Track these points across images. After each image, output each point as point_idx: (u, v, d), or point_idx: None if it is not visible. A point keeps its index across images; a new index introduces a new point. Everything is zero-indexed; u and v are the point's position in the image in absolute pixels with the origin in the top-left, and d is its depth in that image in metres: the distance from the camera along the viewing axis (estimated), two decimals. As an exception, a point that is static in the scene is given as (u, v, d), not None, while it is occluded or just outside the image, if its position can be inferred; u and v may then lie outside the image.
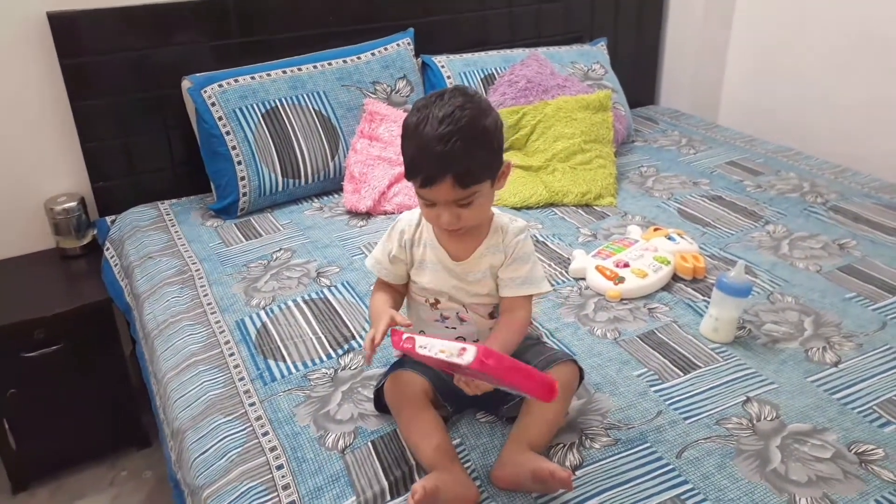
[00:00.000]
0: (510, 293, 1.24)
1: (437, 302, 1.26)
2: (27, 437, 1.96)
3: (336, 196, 2.20)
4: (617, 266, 1.69)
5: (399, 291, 1.30)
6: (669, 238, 1.79)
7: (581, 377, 1.28)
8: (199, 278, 1.78)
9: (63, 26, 1.97)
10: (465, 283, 1.24)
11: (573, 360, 1.27)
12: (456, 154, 1.07)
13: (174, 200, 2.22)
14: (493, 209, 1.24)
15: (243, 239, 1.97)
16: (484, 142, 1.11)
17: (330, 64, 2.26)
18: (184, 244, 1.95)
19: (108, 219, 2.16)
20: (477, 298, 1.25)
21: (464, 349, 1.00)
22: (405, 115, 2.20)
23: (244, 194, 2.07)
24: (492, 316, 1.28)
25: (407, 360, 1.28)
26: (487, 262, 1.23)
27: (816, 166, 2.35)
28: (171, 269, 1.83)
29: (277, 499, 1.13)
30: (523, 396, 1.17)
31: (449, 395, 1.24)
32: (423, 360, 1.09)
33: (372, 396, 1.31)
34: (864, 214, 1.99)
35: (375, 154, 2.17)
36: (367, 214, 2.08)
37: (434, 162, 1.08)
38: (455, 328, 1.27)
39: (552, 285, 1.60)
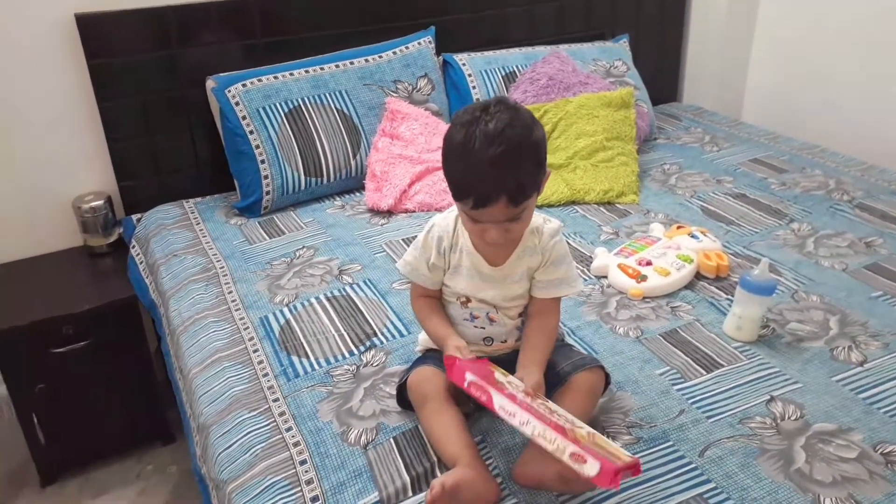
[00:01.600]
0: (545, 294, 1.24)
1: (469, 301, 1.26)
2: (56, 432, 2.00)
3: (358, 194, 2.21)
4: (639, 264, 1.69)
5: (439, 299, 1.30)
6: (692, 236, 1.78)
7: (607, 382, 1.28)
8: (224, 276, 1.80)
9: (90, 27, 2.00)
10: (502, 287, 1.23)
11: (600, 365, 1.27)
12: (510, 174, 1.05)
13: (199, 199, 2.25)
14: None
15: (267, 237, 1.99)
16: (534, 158, 1.10)
17: (352, 63, 2.27)
18: (208, 242, 1.97)
19: (134, 217, 2.19)
20: (510, 301, 1.25)
21: (579, 455, 0.96)
22: (427, 113, 2.25)
23: (267, 193, 2.09)
24: (519, 315, 1.28)
25: (430, 356, 1.29)
26: (525, 264, 1.23)
27: (842, 163, 2.32)
28: (196, 266, 1.85)
29: (301, 493, 1.14)
30: None
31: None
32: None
33: (394, 393, 1.32)
34: (891, 212, 1.96)
35: (397, 152, 2.18)
36: (389, 213, 2.09)
37: (488, 183, 1.05)
38: (484, 328, 1.27)
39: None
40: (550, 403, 1.12)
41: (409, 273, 1.28)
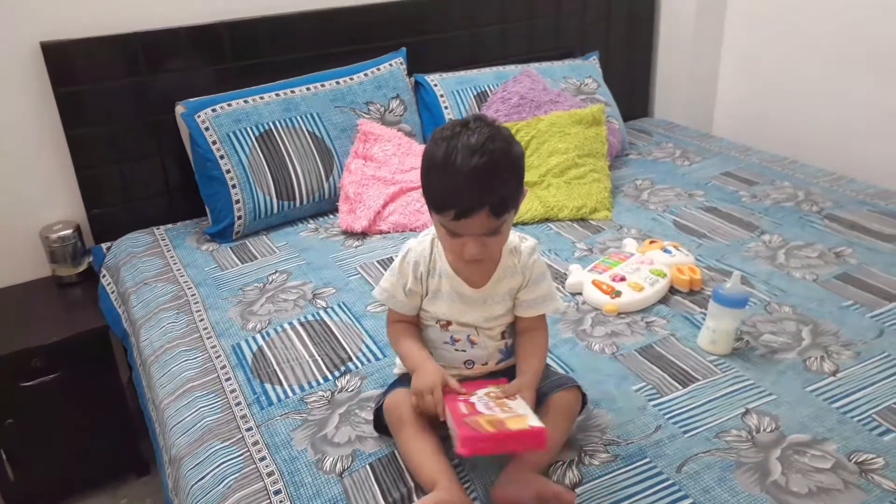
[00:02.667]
0: (532, 312, 1.24)
1: (449, 324, 1.25)
2: (25, 468, 1.95)
3: (331, 217, 2.20)
4: (613, 280, 1.69)
5: (416, 324, 1.29)
6: (665, 251, 1.79)
7: (584, 402, 1.28)
8: (195, 303, 1.77)
9: (57, 55, 1.98)
10: (483, 308, 1.23)
11: (577, 385, 1.26)
12: (492, 185, 1.06)
13: (169, 226, 2.22)
14: None
15: (239, 262, 1.97)
16: (514, 171, 1.11)
17: (323, 85, 2.27)
18: (179, 269, 1.95)
19: (104, 245, 2.16)
20: (492, 322, 1.24)
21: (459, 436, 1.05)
22: (399, 134, 2.26)
23: (239, 217, 2.07)
24: (502, 336, 1.27)
25: (408, 379, 1.27)
26: (506, 285, 1.23)
27: (811, 175, 2.35)
28: (167, 294, 1.83)
29: (275, 525, 1.12)
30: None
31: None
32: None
33: (370, 418, 1.30)
34: (859, 222, 1.99)
35: (370, 174, 2.17)
36: (363, 234, 2.08)
37: (470, 194, 1.06)
38: (465, 350, 1.26)
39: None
40: (515, 403, 1.14)
41: (387, 300, 1.26)
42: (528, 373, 1.21)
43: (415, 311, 1.27)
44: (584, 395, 1.28)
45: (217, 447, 1.30)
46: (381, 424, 1.27)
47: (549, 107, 2.41)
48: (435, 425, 1.21)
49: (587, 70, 2.68)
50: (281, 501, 1.16)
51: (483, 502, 1.13)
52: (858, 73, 2.43)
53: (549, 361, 1.43)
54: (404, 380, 1.28)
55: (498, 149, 1.07)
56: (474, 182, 1.05)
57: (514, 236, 1.24)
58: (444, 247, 1.20)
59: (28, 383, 1.88)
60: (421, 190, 1.16)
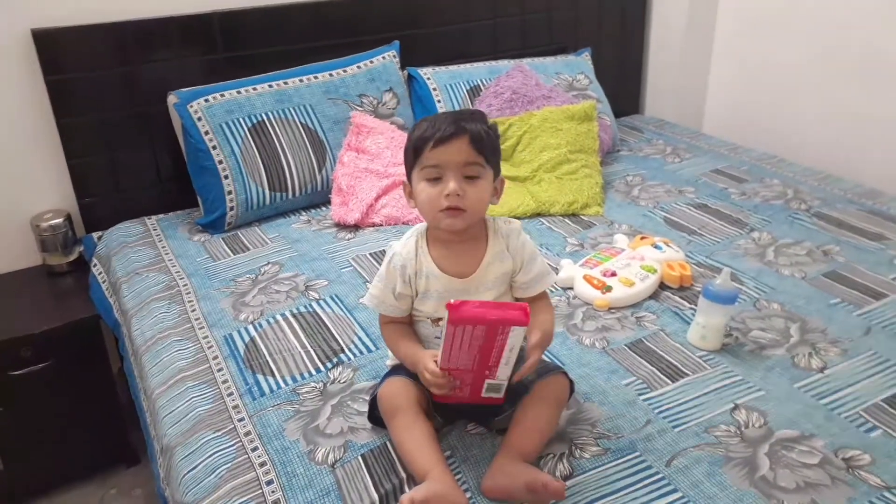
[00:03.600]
0: (532, 292, 1.26)
1: (440, 319, 1.25)
2: (15, 457, 1.94)
3: (324, 209, 2.20)
4: (604, 275, 1.70)
5: (409, 322, 1.30)
6: (656, 247, 1.80)
7: (572, 389, 1.29)
8: (187, 293, 1.77)
9: (48, 43, 1.97)
10: (475, 296, 1.22)
11: (563, 371, 1.27)
12: (471, 119, 1.17)
13: (161, 216, 2.21)
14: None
15: (231, 253, 1.96)
16: (493, 129, 1.20)
17: (316, 77, 2.27)
18: (171, 259, 1.94)
19: (95, 235, 2.15)
20: None
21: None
22: (392, 127, 2.26)
23: (231, 208, 2.07)
24: None
25: (402, 367, 1.28)
26: (496, 269, 1.23)
27: (800, 173, 2.37)
28: (159, 284, 1.82)
29: (268, 515, 1.13)
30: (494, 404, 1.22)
31: (440, 406, 1.24)
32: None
33: (363, 410, 1.31)
34: (847, 220, 2.01)
35: (363, 166, 2.17)
36: (356, 227, 2.08)
37: (450, 123, 1.15)
38: None
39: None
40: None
41: (377, 306, 1.27)
42: (537, 329, 1.18)
43: (406, 313, 1.28)
44: (571, 383, 1.28)
45: (209, 437, 1.30)
46: (375, 415, 1.27)
47: (541, 102, 2.42)
48: (430, 415, 1.22)
49: (579, 66, 2.69)
50: (273, 492, 1.17)
51: (474, 493, 1.14)
52: (848, 74, 2.46)
53: (540, 355, 1.45)
54: (398, 370, 1.29)
55: (476, 112, 1.21)
56: (454, 116, 1.17)
57: (498, 221, 1.27)
58: (424, 208, 1.20)
59: (18, 372, 1.87)
60: None
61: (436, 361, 1.15)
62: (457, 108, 2.42)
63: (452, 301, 1.07)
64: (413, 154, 1.19)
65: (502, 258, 1.24)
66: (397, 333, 1.27)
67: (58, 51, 1.99)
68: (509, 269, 1.25)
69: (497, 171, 1.22)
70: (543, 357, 1.40)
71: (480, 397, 1.20)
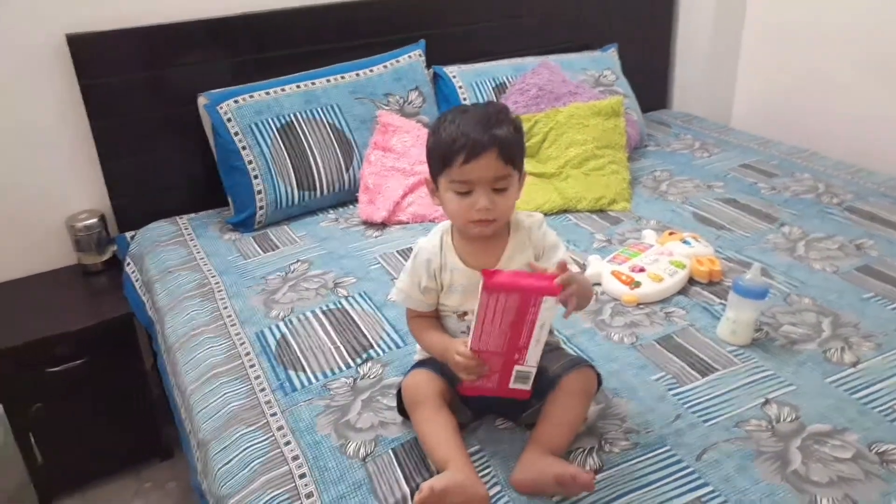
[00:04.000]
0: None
1: (465, 314, 1.26)
2: (53, 451, 1.99)
3: (351, 207, 2.22)
4: (633, 271, 1.70)
5: (436, 317, 1.31)
6: (685, 242, 1.79)
7: (599, 382, 1.29)
8: (219, 291, 1.80)
9: (82, 48, 2.01)
10: None
11: (591, 365, 1.28)
12: (500, 126, 1.13)
13: (192, 215, 2.25)
14: None
15: (261, 252, 1.99)
16: (519, 129, 1.18)
17: (343, 77, 2.29)
18: (203, 258, 1.98)
19: (128, 235, 2.19)
20: None
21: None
22: (418, 125, 2.27)
23: (261, 207, 2.10)
24: None
25: (428, 361, 1.29)
26: (518, 261, 1.23)
27: (831, 167, 2.34)
28: (191, 282, 1.86)
29: (301, 507, 1.14)
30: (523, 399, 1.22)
31: (468, 399, 1.25)
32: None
33: (393, 404, 1.32)
34: (880, 214, 1.98)
35: (389, 165, 2.19)
36: (383, 225, 2.09)
37: (480, 134, 1.12)
38: None
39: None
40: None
41: (404, 301, 1.29)
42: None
43: (433, 307, 1.29)
44: (598, 376, 1.28)
45: (243, 431, 1.33)
46: (403, 408, 1.28)
47: (567, 98, 2.42)
48: (453, 408, 1.23)
49: (605, 62, 2.68)
50: (306, 485, 1.19)
51: (504, 487, 1.15)
52: (879, 66, 2.42)
53: (566, 347, 1.45)
54: (424, 363, 1.30)
55: (501, 109, 1.18)
56: (483, 122, 1.13)
57: (520, 214, 1.26)
58: (453, 216, 1.21)
59: (54, 369, 1.91)
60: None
61: (466, 345, 1.16)
62: (482, 105, 2.42)
63: (487, 269, 1.09)
64: (441, 162, 1.17)
65: (524, 250, 1.24)
66: (425, 325, 1.29)
67: (91, 55, 2.03)
68: (530, 260, 1.25)
69: (522, 168, 1.21)
70: (570, 351, 1.41)
71: (508, 388, 1.21)
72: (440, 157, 1.17)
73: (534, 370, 1.19)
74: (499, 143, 1.12)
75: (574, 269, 1.25)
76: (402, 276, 1.29)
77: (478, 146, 1.11)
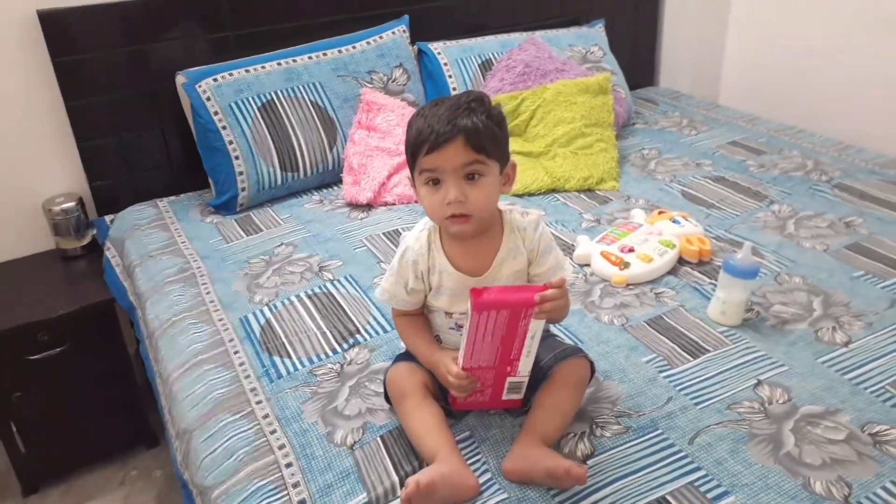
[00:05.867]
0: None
1: (453, 312, 1.24)
2: (35, 440, 1.96)
3: (336, 188, 2.18)
4: (622, 251, 1.68)
5: (422, 314, 1.28)
6: (674, 221, 1.77)
7: (592, 371, 1.27)
8: (201, 276, 1.76)
9: (54, 24, 1.94)
10: None
11: (584, 354, 1.26)
12: (467, 116, 1.08)
13: (173, 198, 2.20)
14: (502, 205, 1.21)
15: (244, 234, 1.95)
16: (492, 117, 1.11)
17: (325, 54, 2.23)
18: (184, 242, 1.93)
19: (107, 218, 2.14)
20: None
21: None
22: (403, 104, 2.22)
23: (243, 189, 2.05)
24: None
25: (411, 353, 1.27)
26: (510, 267, 1.20)
27: (820, 144, 2.32)
28: (173, 267, 1.81)
29: (288, 497, 1.12)
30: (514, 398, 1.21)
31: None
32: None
33: (380, 391, 1.30)
34: (869, 191, 1.97)
35: (374, 144, 2.15)
36: (368, 206, 2.06)
37: (444, 123, 1.08)
38: None
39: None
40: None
41: (389, 300, 1.26)
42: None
43: (418, 307, 1.26)
44: (592, 365, 1.26)
45: (227, 420, 1.30)
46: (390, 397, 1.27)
47: (554, 75, 2.38)
48: (438, 397, 1.22)
49: (593, 38, 2.64)
50: (293, 474, 1.16)
51: (494, 474, 1.13)
52: (868, 42, 2.39)
53: (557, 332, 1.43)
54: (407, 355, 1.28)
55: (474, 97, 1.12)
56: (449, 114, 1.08)
57: (516, 212, 1.22)
58: (429, 213, 1.16)
59: (35, 356, 1.87)
60: None
61: (456, 362, 1.14)
62: (468, 83, 2.38)
63: (476, 288, 1.06)
64: (410, 156, 1.14)
65: (516, 255, 1.20)
66: (412, 329, 1.26)
67: (64, 32, 1.96)
68: (524, 266, 1.21)
69: (505, 159, 1.15)
70: (564, 339, 1.39)
71: (501, 401, 1.20)
72: (410, 152, 1.13)
73: (526, 379, 1.18)
74: (465, 131, 1.07)
75: (565, 272, 1.23)
76: (388, 276, 1.25)
77: (441, 136, 1.07)
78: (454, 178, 1.09)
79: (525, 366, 1.15)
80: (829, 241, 1.75)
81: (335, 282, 1.69)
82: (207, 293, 1.69)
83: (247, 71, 2.11)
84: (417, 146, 1.10)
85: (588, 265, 1.70)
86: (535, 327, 1.10)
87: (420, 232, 1.22)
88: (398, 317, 1.29)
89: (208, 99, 2.04)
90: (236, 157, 2.04)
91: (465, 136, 1.07)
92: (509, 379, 1.17)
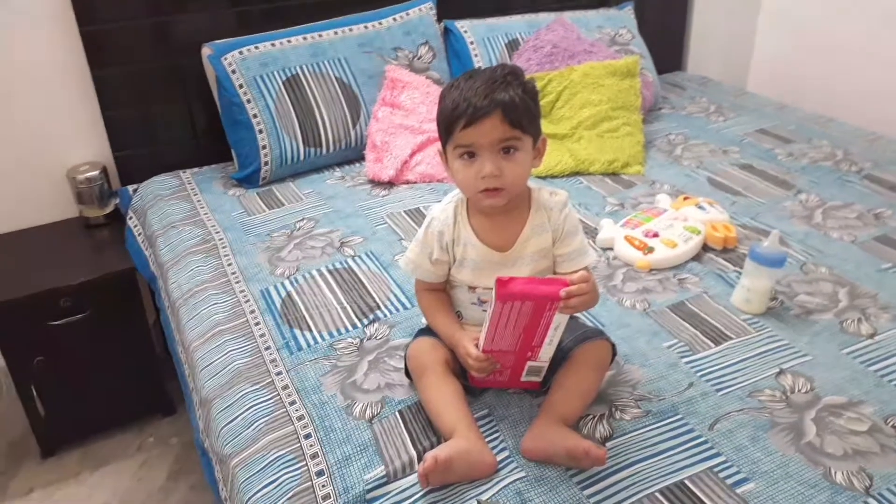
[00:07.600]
0: (570, 267, 1.21)
1: (476, 287, 1.23)
2: (55, 404, 1.98)
3: (358, 165, 2.17)
4: (646, 236, 1.66)
5: (445, 290, 1.27)
6: (699, 207, 1.75)
7: (614, 353, 1.26)
8: (223, 247, 1.77)
9: (82, -8, 1.94)
10: (512, 270, 1.19)
11: (606, 337, 1.25)
12: (504, 90, 1.07)
13: (196, 169, 2.20)
14: (531, 184, 1.20)
15: (266, 208, 1.95)
16: (528, 91, 1.11)
17: (351, 30, 2.22)
18: (206, 213, 1.94)
19: (131, 188, 2.16)
20: None
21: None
22: (428, 81, 2.21)
23: (266, 163, 2.05)
24: None
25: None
26: (535, 244, 1.19)
27: (850, 133, 2.28)
28: (195, 238, 1.82)
29: (306, 467, 1.13)
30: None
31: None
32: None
33: (400, 366, 1.30)
34: (900, 183, 1.94)
35: (398, 122, 2.14)
36: (390, 184, 2.05)
37: (481, 97, 1.07)
38: None
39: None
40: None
41: (413, 271, 1.25)
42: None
43: (443, 279, 1.25)
44: (613, 347, 1.26)
45: (247, 390, 1.31)
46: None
47: (582, 57, 2.35)
48: (458, 374, 1.21)
49: (622, 20, 2.61)
50: (311, 445, 1.17)
51: (512, 452, 1.13)
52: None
53: (578, 315, 1.42)
54: (428, 330, 1.28)
55: (510, 69, 1.11)
56: (485, 87, 1.08)
57: (545, 192, 1.21)
58: (462, 187, 1.16)
59: (56, 322, 1.89)
60: None
61: (476, 344, 1.13)
62: (494, 62, 2.36)
63: (501, 277, 1.05)
64: (445, 130, 1.13)
65: (541, 232, 1.19)
66: (434, 305, 1.25)
67: (92, 1, 1.96)
68: (548, 245, 1.20)
69: (538, 133, 1.15)
70: (585, 321, 1.38)
71: (519, 381, 1.20)
72: (444, 125, 1.13)
73: (546, 364, 1.17)
74: (503, 106, 1.07)
75: (589, 258, 1.22)
76: (413, 246, 1.25)
77: (479, 111, 1.07)
78: (490, 152, 1.09)
79: (546, 353, 1.15)
80: (857, 233, 1.72)
81: (356, 258, 1.69)
82: (229, 265, 1.70)
83: (272, 45, 2.11)
84: (453, 120, 1.09)
85: (611, 249, 1.69)
86: (560, 319, 1.09)
87: (447, 204, 1.22)
88: (421, 291, 1.28)
89: (234, 72, 2.04)
90: (260, 131, 2.04)
91: (502, 110, 1.07)
92: (529, 363, 1.17)
